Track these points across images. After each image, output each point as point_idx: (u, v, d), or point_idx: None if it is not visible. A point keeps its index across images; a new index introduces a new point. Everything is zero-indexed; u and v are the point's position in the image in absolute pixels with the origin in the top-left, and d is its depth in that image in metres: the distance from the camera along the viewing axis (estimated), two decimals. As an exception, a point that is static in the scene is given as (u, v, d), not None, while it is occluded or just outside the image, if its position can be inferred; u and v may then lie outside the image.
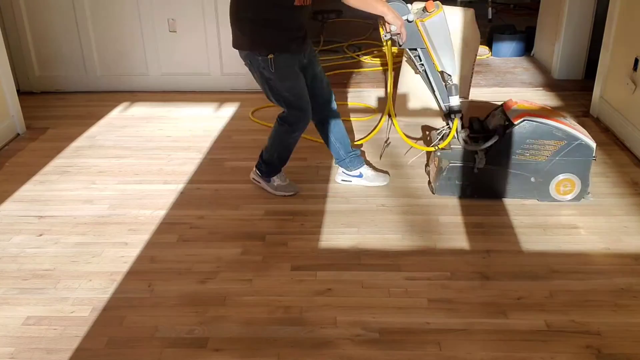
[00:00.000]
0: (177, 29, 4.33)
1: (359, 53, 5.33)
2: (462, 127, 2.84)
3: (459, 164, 2.83)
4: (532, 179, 2.81)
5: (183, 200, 2.94)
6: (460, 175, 2.86)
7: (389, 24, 2.54)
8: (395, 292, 2.24)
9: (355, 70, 4.91)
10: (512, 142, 2.76)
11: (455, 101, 2.78)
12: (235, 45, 2.70)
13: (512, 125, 2.75)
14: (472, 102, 3.45)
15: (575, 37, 4.46)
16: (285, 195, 2.95)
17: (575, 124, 2.91)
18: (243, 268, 2.40)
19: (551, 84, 4.50)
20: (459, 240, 2.56)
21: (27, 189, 3.06)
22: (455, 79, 2.80)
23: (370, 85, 4.55)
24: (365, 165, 3.05)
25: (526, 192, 2.85)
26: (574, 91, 4.33)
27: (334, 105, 2.93)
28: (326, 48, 5.44)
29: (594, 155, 2.80)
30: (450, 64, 2.70)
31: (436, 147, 2.89)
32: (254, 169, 3.01)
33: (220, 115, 4.03)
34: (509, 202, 2.84)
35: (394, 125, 3.11)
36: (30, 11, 4.27)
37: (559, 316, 2.10)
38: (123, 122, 3.94)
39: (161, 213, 2.81)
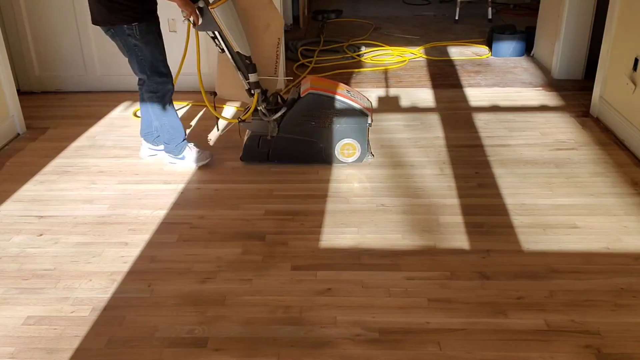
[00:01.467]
0: (177, 29, 4.33)
1: (360, 53, 5.33)
2: (265, 101, 3.16)
3: (257, 133, 3.23)
4: (320, 145, 3.22)
5: (183, 200, 2.94)
6: (260, 143, 3.25)
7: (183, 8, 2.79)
8: (395, 292, 2.24)
9: (355, 70, 4.91)
10: (298, 112, 3.17)
11: (254, 78, 3.08)
12: (101, 21, 2.92)
13: (300, 97, 3.18)
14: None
15: (575, 37, 4.46)
16: (204, 164, 3.24)
17: (358, 94, 3.34)
18: (243, 268, 2.40)
19: (551, 84, 4.50)
20: (459, 240, 2.57)
21: (27, 189, 3.06)
22: (263, 59, 3.11)
23: (371, 85, 4.55)
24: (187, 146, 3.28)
25: (316, 156, 3.25)
26: (574, 91, 4.34)
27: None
28: (326, 48, 5.44)
29: (369, 122, 3.19)
30: (243, 46, 2.96)
31: (239, 119, 3.25)
32: (165, 154, 3.27)
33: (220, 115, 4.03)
34: (509, 202, 2.84)
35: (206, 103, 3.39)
36: (30, 11, 4.27)
37: (558, 316, 2.10)
38: (123, 122, 3.94)
39: (161, 213, 2.82)
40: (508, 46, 5.23)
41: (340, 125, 3.18)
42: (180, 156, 3.23)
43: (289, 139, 3.22)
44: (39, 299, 2.23)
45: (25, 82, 4.46)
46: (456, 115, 3.92)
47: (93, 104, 4.25)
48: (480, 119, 3.84)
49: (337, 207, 2.84)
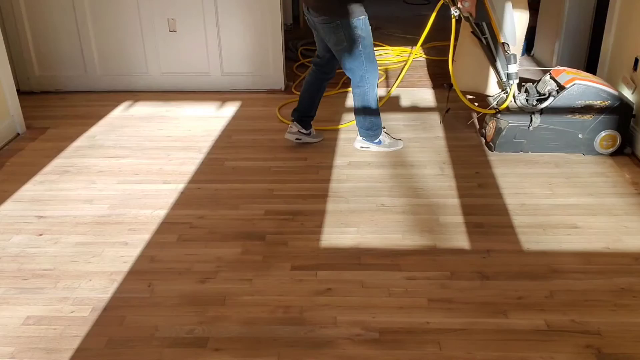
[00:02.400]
0: (177, 29, 4.33)
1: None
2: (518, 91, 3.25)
3: (516, 123, 3.25)
4: (580, 135, 3.22)
5: (183, 200, 2.94)
6: (518, 134, 3.27)
7: (462, 1, 2.97)
8: (395, 292, 2.24)
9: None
10: (564, 103, 3.18)
11: (513, 69, 3.19)
12: (329, 14, 3.01)
13: (563, 88, 3.18)
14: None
15: (575, 37, 4.46)
16: (398, 149, 3.39)
17: (615, 88, 3.29)
18: (243, 268, 2.40)
19: (551, 84, 4.50)
20: (459, 240, 2.57)
21: (27, 189, 3.06)
22: (513, 49, 3.20)
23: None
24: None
25: (574, 147, 3.27)
26: (574, 91, 4.33)
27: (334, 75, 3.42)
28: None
29: (633, 113, 3.20)
30: (511, 35, 3.07)
31: (496, 109, 3.30)
32: (361, 140, 3.40)
33: (220, 115, 4.03)
34: (509, 202, 2.84)
35: (456, 92, 3.48)
36: (30, 11, 4.26)
37: (558, 316, 2.10)
38: (123, 121, 3.94)
39: (161, 213, 2.81)
40: (508, 46, 5.22)
41: (603, 116, 3.18)
42: (377, 140, 3.40)
43: (549, 129, 3.24)
44: (38, 299, 2.23)
45: (25, 82, 4.46)
46: (456, 115, 3.92)
47: (93, 104, 4.25)
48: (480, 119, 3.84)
49: (337, 207, 2.84)
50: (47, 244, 2.58)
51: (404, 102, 4.20)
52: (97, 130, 3.81)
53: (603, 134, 3.21)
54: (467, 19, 3.06)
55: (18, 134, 3.75)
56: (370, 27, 3.09)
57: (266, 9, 4.23)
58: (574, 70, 3.42)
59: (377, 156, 3.35)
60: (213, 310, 2.16)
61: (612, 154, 3.27)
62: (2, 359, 1.95)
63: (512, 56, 3.18)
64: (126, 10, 4.28)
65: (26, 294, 2.26)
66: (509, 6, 2.97)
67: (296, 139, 3.48)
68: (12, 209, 2.88)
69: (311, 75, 3.40)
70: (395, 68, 4.97)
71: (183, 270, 2.40)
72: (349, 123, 3.74)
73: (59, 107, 4.22)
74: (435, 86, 4.50)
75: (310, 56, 5.18)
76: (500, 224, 2.68)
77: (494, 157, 3.31)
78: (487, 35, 3.15)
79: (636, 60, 3.33)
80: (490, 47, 3.19)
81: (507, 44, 3.15)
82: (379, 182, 3.07)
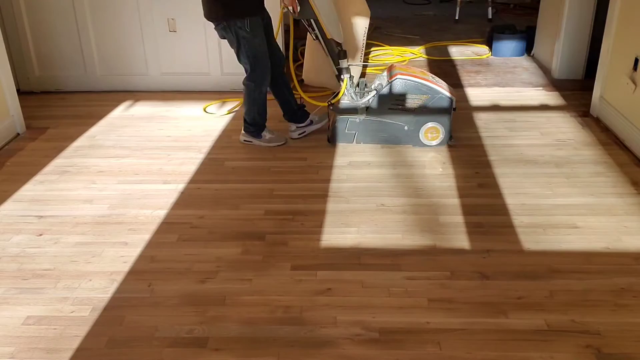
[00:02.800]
0: (177, 29, 4.33)
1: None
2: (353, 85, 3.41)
3: (347, 116, 3.43)
4: (406, 127, 3.39)
5: (183, 200, 2.94)
6: (348, 125, 3.44)
7: None
8: (395, 292, 2.24)
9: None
10: (387, 96, 3.36)
11: (344, 64, 3.33)
12: (214, 16, 3.20)
13: (388, 82, 3.35)
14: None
15: (575, 37, 4.46)
16: (278, 145, 3.50)
17: (442, 82, 3.49)
18: (243, 268, 2.40)
19: (551, 84, 4.50)
20: (459, 240, 2.56)
21: (27, 189, 3.06)
22: (350, 47, 3.37)
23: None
24: (310, 114, 3.61)
25: (402, 138, 3.44)
26: (574, 91, 4.33)
27: (283, 69, 3.52)
28: (326, 48, 5.43)
29: (453, 106, 3.36)
30: (337, 33, 3.17)
31: (328, 102, 3.47)
32: (242, 131, 3.51)
33: (220, 115, 4.03)
34: (509, 202, 2.84)
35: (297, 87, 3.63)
36: (30, 11, 4.27)
37: (559, 316, 2.10)
38: (123, 121, 3.94)
39: (161, 213, 2.81)
40: (508, 46, 5.23)
41: (425, 109, 3.35)
42: (258, 137, 3.52)
43: (376, 121, 3.41)
44: (38, 299, 2.23)
45: (25, 82, 4.46)
46: (456, 115, 3.91)
47: (93, 104, 4.25)
48: (480, 119, 3.84)
49: (337, 207, 2.84)
50: (47, 244, 2.58)
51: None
52: (97, 130, 3.81)
53: (427, 126, 3.37)
54: (292, 14, 3.16)
55: (18, 134, 3.75)
56: (260, 28, 3.20)
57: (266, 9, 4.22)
58: (407, 67, 3.60)
59: (377, 156, 3.35)
60: (213, 310, 2.16)
61: (437, 145, 3.42)
62: (2, 359, 1.95)
63: (342, 52, 3.29)
64: (126, 10, 4.28)
65: (26, 294, 2.26)
66: (331, 3, 3.06)
67: (299, 134, 3.60)
68: (12, 209, 2.88)
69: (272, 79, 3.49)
70: (395, 68, 4.97)
71: (183, 270, 2.40)
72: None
73: (59, 107, 4.22)
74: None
75: (310, 56, 5.18)
76: (500, 224, 2.68)
77: (492, 157, 3.31)
78: (316, 31, 3.24)
79: (636, 60, 3.33)
80: (322, 43, 3.29)
81: (336, 41, 3.23)
82: (379, 182, 3.07)
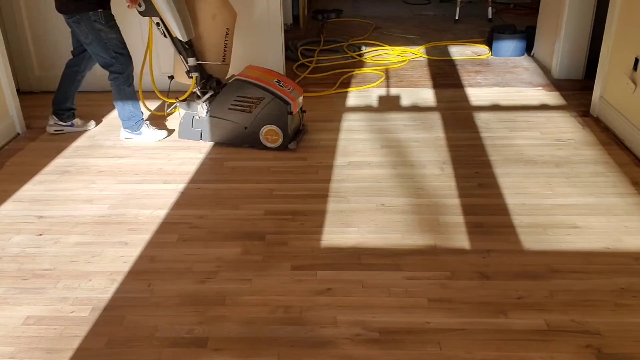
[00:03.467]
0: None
1: (360, 53, 5.32)
2: (202, 84, 3.44)
3: (191, 113, 3.50)
4: (246, 128, 3.42)
5: (183, 200, 2.94)
6: (193, 122, 3.53)
7: None
8: (395, 292, 2.24)
9: (356, 70, 4.90)
10: (224, 96, 3.41)
11: (192, 62, 3.37)
12: (66, 10, 3.25)
13: (226, 82, 3.42)
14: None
15: (575, 37, 4.46)
16: (161, 139, 3.59)
17: (290, 85, 3.47)
18: (243, 268, 2.40)
19: (551, 84, 4.50)
20: (459, 240, 2.56)
21: (27, 189, 3.06)
22: (210, 46, 3.39)
23: (371, 84, 4.55)
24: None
25: (243, 139, 3.47)
26: (574, 91, 4.34)
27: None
28: (326, 48, 5.44)
29: (291, 110, 3.35)
30: (180, 31, 3.19)
31: (176, 99, 3.49)
32: (122, 130, 3.59)
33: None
34: (509, 202, 2.84)
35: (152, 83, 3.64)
36: (30, 11, 4.26)
37: (558, 316, 2.10)
38: (123, 121, 3.94)
39: (161, 213, 2.81)
40: (508, 46, 5.23)
41: (263, 111, 3.36)
42: (138, 132, 3.58)
43: (218, 120, 3.46)
44: (38, 299, 2.23)
45: (25, 82, 4.46)
46: (456, 115, 3.92)
47: (93, 104, 4.24)
48: (480, 119, 3.84)
49: (337, 207, 2.84)
50: (47, 244, 2.58)
51: (404, 101, 4.20)
52: (97, 130, 3.81)
53: (266, 128, 3.39)
54: (140, 12, 3.21)
55: (18, 134, 3.75)
56: (113, 20, 3.31)
57: (266, 9, 4.23)
58: (259, 68, 3.59)
59: (377, 156, 3.35)
60: (213, 310, 2.16)
61: (278, 149, 3.43)
62: (2, 359, 1.95)
63: (190, 50, 3.34)
64: (126, 10, 4.26)
65: (26, 294, 2.26)
66: (171, 4, 3.09)
67: (55, 130, 3.69)
68: (12, 209, 2.88)
69: (65, 69, 3.60)
70: (395, 68, 4.97)
71: (183, 270, 2.40)
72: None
73: (59, 107, 4.22)
74: (436, 86, 4.49)
75: (310, 56, 5.18)
76: (500, 224, 2.68)
77: (492, 157, 3.31)
78: (163, 29, 3.29)
79: (636, 60, 3.33)
80: (173, 41, 3.33)
81: (179, 39, 3.26)
82: (379, 182, 3.07)
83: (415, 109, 4.07)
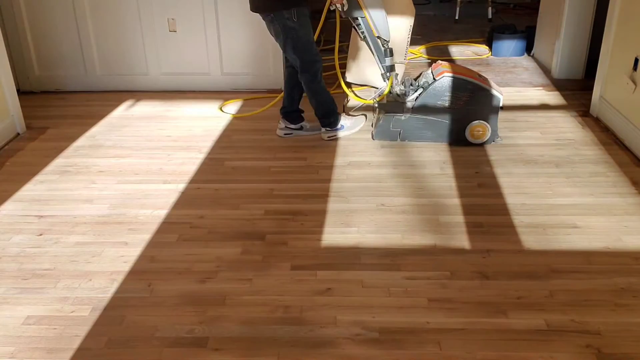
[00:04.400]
0: (177, 29, 4.33)
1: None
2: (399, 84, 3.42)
3: (392, 113, 3.43)
4: (451, 126, 3.38)
5: (183, 200, 2.94)
6: (394, 123, 3.44)
7: None
8: (395, 292, 2.24)
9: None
10: (434, 94, 3.35)
11: (390, 62, 3.36)
12: (262, 8, 3.24)
13: (435, 80, 3.34)
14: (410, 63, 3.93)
15: (575, 37, 4.46)
16: (361, 127, 3.60)
17: (487, 79, 3.45)
18: (243, 268, 2.40)
19: (551, 84, 4.50)
20: (459, 240, 2.57)
21: (27, 189, 3.06)
22: (395, 45, 3.37)
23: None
24: (305, 120, 3.64)
25: (446, 136, 3.43)
26: (574, 91, 4.33)
27: None
28: (326, 48, 5.43)
29: (500, 104, 3.35)
30: (385, 31, 3.19)
31: (374, 100, 3.50)
32: (323, 130, 3.53)
33: (220, 114, 4.04)
34: (509, 201, 2.84)
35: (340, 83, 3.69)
36: (30, 11, 4.27)
37: (558, 316, 2.10)
38: (123, 121, 3.94)
39: (161, 213, 2.81)
40: (508, 46, 5.23)
41: (472, 107, 3.34)
42: (339, 126, 3.55)
43: (421, 119, 3.40)
44: (38, 299, 2.23)
45: (25, 82, 4.46)
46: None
47: (93, 104, 4.25)
48: (480, 119, 3.84)
49: (337, 207, 2.84)
50: (47, 244, 2.58)
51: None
52: (97, 130, 3.81)
53: (473, 124, 3.36)
54: (342, 13, 3.21)
55: (18, 134, 3.75)
56: (305, 18, 3.22)
57: (266, 9, 4.23)
58: (453, 64, 3.57)
59: (377, 156, 3.35)
60: (213, 310, 2.16)
61: (483, 144, 3.42)
62: (2, 359, 1.96)
63: (388, 50, 3.32)
64: (126, 10, 4.28)
65: (26, 294, 2.26)
66: (380, 1, 3.10)
67: (285, 133, 3.63)
68: (12, 209, 2.88)
69: (285, 72, 3.59)
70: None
71: (183, 270, 2.40)
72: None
73: (59, 107, 4.23)
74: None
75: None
76: (500, 223, 2.68)
77: (492, 157, 3.31)
78: (363, 29, 3.27)
79: (636, 60, 3.33)
80: (368, 41, 3.32)
81: (384, 39, 3.27)
82: (379, 182, 3.07)
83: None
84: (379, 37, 3.26)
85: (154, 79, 4.48)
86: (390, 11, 3.28)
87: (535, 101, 4.17)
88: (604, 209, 2.78)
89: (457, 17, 6.56)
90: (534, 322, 2.07)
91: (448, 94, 3.33)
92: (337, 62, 3.55)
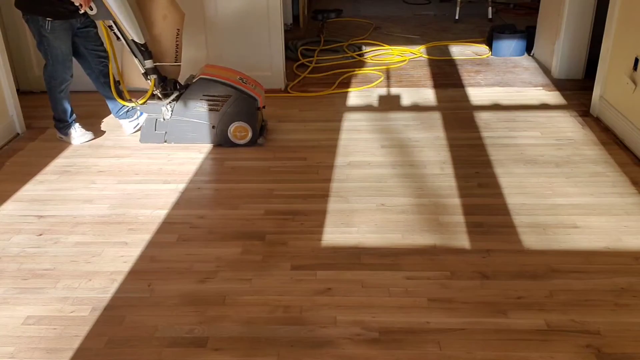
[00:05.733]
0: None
1: (360, 52, 5.32)
2: (162, 86, 3.41)
3: (154, 115, 3.48)
4: (213, 127, 3.44)
5: (183, 200, 2.94)
6: (157, 125, 3.49)
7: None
8: (395, 292, 2.24)
9: (356, 69, 4.90)
10: (190, 96, 3.41)
11: (149, 64, 3.33)
12: (21, 6, 3.27)
13: (192, 82, 3.41)
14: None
15: (575, 37, 4.46)
16: (85, 142, 3.58)
17: (252, 82, 3.54)
18: (243, 268, 2.40)
19: (551, 84, 4.50)
20: (459, 239, 2.56)
21: (27, 189, 3.06)
22: (162, 47, 3.38)
23: (371, 84, 4.55)
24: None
25: (212, 138, 3.48)
26: (574, 90, 4.33)
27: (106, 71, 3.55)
28: (326, 48, 5.44)
29: (258, 105, 3.43)
30: (137, 33, 3.16)
31: (136, 102, 3.46)
32: (56, 130, 3.60)
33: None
34: (509, 201, 2.84)
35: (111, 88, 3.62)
36: (30, 11, 4.26)
37: (558, 316, 2.10)
38: (123, 121, 3.94)
39: (161, 213, 2.81)
40: (508, 46, 5.23)
41: (231, 108, 3.39)
42: (65, 132, 3.60)
43: (183, 121, 3.45)
44: (38, 299, 2.23)
45: (25, 82, 4.46)
46: (456, 115, 3.92)
47: (93, 103, 4.24)
48: (480, 119, 3.84)
49: (337, 207, 2.84)
50: (47, 244, 2.58)
51: (405, 101, 4.20)
52: (97, 130, 3.80)
53: (234, 125, 3.42)
54: (92, 16, 3.13)
55: (18, 134, 3.75)
56: (63, 32, 3.27)
57: (266, 9, 4.23)
58: (217, 66, 3.66)
59: (377, 156, 3.35)
60: (213, 310, 2.16)
61: (247, 145, 3.47)
62: (2, 359, 1.96)
63: (147, 52, 3.29)
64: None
65: (26, 294, 2.26)
66: (128, 5, 3.06)
67: (134, 127, 3.69)
68: (12, 209, 2.88)
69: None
70: (395, 68, 4.97)
71: (183, 270, 2.40)
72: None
73: (59, 107, 4.21)
74: (436, 86, 4.49)
75: (310, 56, 5.18)
76: (500, 223, 2.68)
77: (492, 157, 3.31)
78: (117, 32, 3.23)
79: (636, 60, 3.33)
80: (128, 44, 3.28)
81: (138, 42, 3.23)
82: (379, 182, 3.07)
83: (415, 108, 4.07)
84: (132, 40, 3.22)
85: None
86: (153, 14, 3.27)
87: (535, 101, 4.17)
88: (604, 209, 2.78)
89: (457, 17, 6.55)
90: (534, 322, 2.07)
91: (205, 95, 3.38)
92: (111, 72, 3.50)
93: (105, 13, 3.07)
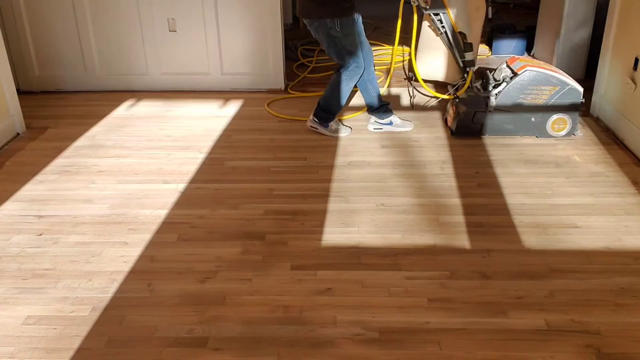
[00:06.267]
0: (177, 29, 4.33)
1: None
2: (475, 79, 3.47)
3: (474, 108, 3.46)
4: (533, 119, 3.44)
5: (183, 200, 2.94)
6: (475, 118, 3.48)
7: None
8: (395, 292, 2.24)
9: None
10: (517, 88, 3.40)
11: (470, 56, 3.44)
12: (306, 14, 3.31)
13: (516, 74, 3.39)
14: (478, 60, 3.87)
15: (575, 37, 4.46)
16: (340, 136, 3.59)
17: (567, 75, 3.49)
18: (243, 267, 2.40)
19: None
20: (459, 239, 2.56)
21: (27, 189, 3.06)
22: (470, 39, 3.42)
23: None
24: (393, 115, 3.66)
25: (527, 130, 3.49)
26: (574, 91, 4.33)
27: (372, 67, 3.58)
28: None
29: (581, 98, 3.41)
30: (465, 25, 3.28)
31: (455, 95, 3.52)
32: (312, 117, 3.59)
33: (220, 114, 4.04)
34: (509, 201, 2.84)
35: (417, 81, 3.78)
36: (30, 11, 4.27)
37: (558, 315, 2.10)
38: (123, 121, 3.94)
39: (161, 213, 2.81)
40: (508, 45, 5.23)
41: (554, 100, 3.40)
42: (326, 125, 3.60)
43: (504, 113, 3.45)
44: (38, 299, 2.23)
45: (25, 81, 4.46)
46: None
47: (93, 104, 4.25)
48: (480, 119, 3.84)
49: (337, 207, 2.84)
50: (47, 244, 2.58)
51: (405, 101, 4.20)
52: (97, 130, 3.81)
53: (554, 117, 3.43)
54: (423, 8, 3.31)
55: (18, 134, 3.75)
56: (350, 27, 3.27)
57: (266, 9, 4.23)
58: (528, 58, 3.64)
59: (377, 156, 3.35)
60: (213, 310, 2.16)
61: (563, 137, 3.48)
62: (2, 359, 1.96)
63: (468, 44, 3.37)
64: (126, 10, 4.28)
65: (26, 294, 2.26)
66: None
67: (374, 128, 3.70)
68: (12, 209, 2.88)
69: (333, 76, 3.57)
70: (395, 67, 4.96)
71: (183, 270, 2.40)
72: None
73: (59, 107, 4.22)
74: (436, 85, 4.48)
75: (310, 56, 5.18)
76: (501, 223, 2.68)
77: (492, 157, 3.31)
78: (444, 24, 3.35)
79: (636, 60, 3.33)
80: (448, 36, 3.39)
81: (464, 33, 3.35)
82: (379, 182, 3.07)
83: (415, 108, 4.07)
84: (459, 32, 3.30)
85: (153, 78, 4.48)
86: (465, 5, 3.38)
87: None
88: (604, 209, 2.78)
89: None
90: (534, 322, 2.07)
91: (530, 87, 3.37)
92: (413, 58, 3.63)
93: (440, 4, 3.27)
